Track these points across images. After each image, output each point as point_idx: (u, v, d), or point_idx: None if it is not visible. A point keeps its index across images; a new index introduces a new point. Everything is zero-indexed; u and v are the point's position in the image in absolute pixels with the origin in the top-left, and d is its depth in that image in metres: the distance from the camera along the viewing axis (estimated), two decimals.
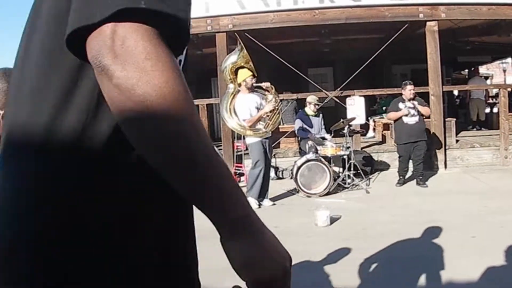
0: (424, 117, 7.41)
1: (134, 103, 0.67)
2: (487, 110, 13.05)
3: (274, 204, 6.55)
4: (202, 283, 3.40)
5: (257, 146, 6.37)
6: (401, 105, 7.37)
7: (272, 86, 6.59)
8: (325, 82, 13.58)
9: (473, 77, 12.34)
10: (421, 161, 7.30)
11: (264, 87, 6.55)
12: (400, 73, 14.36)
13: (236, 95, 6.50)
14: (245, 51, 6.38)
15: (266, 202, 6.53)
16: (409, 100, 7.30)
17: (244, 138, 7.11)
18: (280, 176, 8.62)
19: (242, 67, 6.40)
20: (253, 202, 6.33)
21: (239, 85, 6.42)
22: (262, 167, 6.34)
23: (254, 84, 6.43)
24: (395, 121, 7.56)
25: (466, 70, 16.45)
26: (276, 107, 6.46)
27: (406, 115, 7.25)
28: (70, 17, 0.71)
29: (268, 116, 6.43)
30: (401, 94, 7.56)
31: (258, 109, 6.39)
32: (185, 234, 0.93)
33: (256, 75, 6.43)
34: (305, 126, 8.13)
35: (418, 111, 7.24)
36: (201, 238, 3.68)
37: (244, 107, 6.36)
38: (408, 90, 7.32)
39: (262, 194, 6.53)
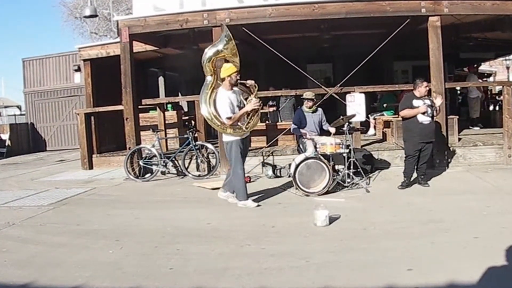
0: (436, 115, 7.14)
1: None
2: (490, 107, 12.97)
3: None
4: (197, 283, 3.31)
5: (236, 145, 6.27)
6: (416, 102, 6.95)
7: (256, 85, 6.40)
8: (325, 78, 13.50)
9: (468, 75, 12.32)
10: (425, 161, 7.08)
11: (247, 85, 6.37)
12: (401, 70, 14.28)
13: (216, 88, 6.31)
14: (233, 43, 6.15)
15: (231, 199, 6.49)
16: (424, 97, 6.97)
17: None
18: (278, 174, 8.48)
19: (226, 61, 6.25)
20: (250, 203, 6.29)
21: (223, 79, 6.24)
22: (242, 164, 6.29)
23: (239, 82, 6.27)
24: (406, 118, 7.09)
25: None
26: (258, 107, 6.32)
27: (424, 113, 6.87)
28: None
29: (248, 115, 6.33)
30: (409, 90, 7.23)
31: (239, 106, 6.27)
32: None
33: (239, 71, 6.27)
34: (299, 123, 7.95)
35: (433, 111, 6.93)
36: (197, 238, 3.58)
37: (226, 104, 6.18)
38: (424, 87, 6.96)
39: (229, 188, 6.53)
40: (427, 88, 7.03)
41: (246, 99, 6.42)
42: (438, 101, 7.01)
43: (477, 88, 12.09)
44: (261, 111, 12.34)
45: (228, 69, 6.19)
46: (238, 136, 6.27)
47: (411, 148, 7.04)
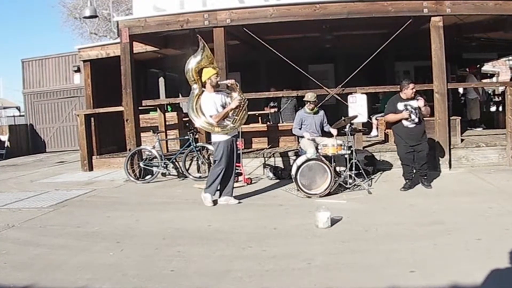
0: (424, 116, 6.93)
1: None
2: (493, 108, 12.89)
3: (240, 203, 6.59)
4: (198, 285, 3.28)
5: (223, 145, 6.47)
6: (400, 105, 6.85)
7: (237, 83, 6.67)
8: (326, 79, 13.43)
9: (467, 76, 12.30)
10: (425, 162, 6.94)
11: (229, 84, 6.65)
12: (403, 70, 14.22)
13: (201, 95, 6.56)
14: (209, 51, 6.49)
15: (232, 201, 6.57)
16: (410, 99, 6.81)
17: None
18: (280, 176, 8.42)
19: (206, 67, 6.48)
20: (209, 198, 6.50)
21: (204, 83, 6.49)
22: (223, 166, 6.45)
23: (219, 82, 6.54)
24: (393, 123, 7.06)
25: None
26: (242, 103, 6.53)
27: (407, 119, 6.77)
28: None
29: (234, 112, 6.53)
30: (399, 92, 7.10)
31: (223, 106, 6.48)
32: None
33: (218, 73, 6.59)
34: (300, 125, 7.89)
35: (419, 113, 6.76)
36: (198, 240, 3.55)
37: (210, 104, 6.42)
38: (410, 90, 6.80)
39: (226, 192, 6.60)
40: (413, 90, 6.83)
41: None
42: (420, 103, 6.77)
43: (474, 90, 12.03)
44: (262, 112, 12.55)
45: (208, 72, 6.46)
46: (226, 134, 6.47)
47: (402, 151, 6.99)
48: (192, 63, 6.51)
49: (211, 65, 6.51)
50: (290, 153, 9.01)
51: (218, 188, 6.60)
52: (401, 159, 7.08)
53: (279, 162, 8.90)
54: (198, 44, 6.54)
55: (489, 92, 15.65)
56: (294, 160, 7.33)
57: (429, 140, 7.20)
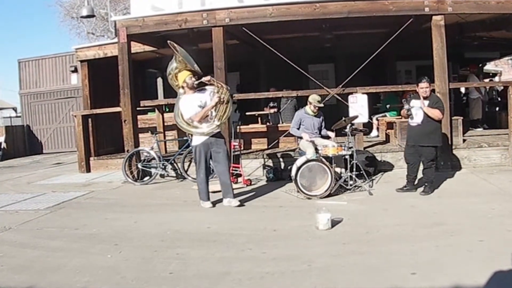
0: (434, 119, 6.61)
1: None
2: (496, 108, 12.83)
3: (242, 205, 6.50)
4: None
5: (200, 147, 6.45)
6: (412, 102, 6.73)
7: (214, 79, 6.68)
8: (326, 79, 13.41)
9: (468, 75, 12.28)
10: (429, 167, 6.67)
11: (205, 81, 6.54)
12: (405, 70, 14.19)
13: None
14: (180, 58, 6.49)
15: (234, 202, 6.46)
16: (424, 98, 6.63)
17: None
18: (279, 177, 8.36)
19: (182, 70, 6.50)
20: (206, 203, 6.49)
21: (183, 87, 6.50)
22: (204, 169, 6.44)
23: (195, 82, 6.47)
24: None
25: None
26: (222, 97, 6.45)
27: (409, 116, 6.70)
28: None
29: (216, 110, 6.45)
30: (411, 91, 7.03)
31: (201, 107, 6.41)
32: None
33: (200, 73, 6.55)
34: (299, 125, 7.82)
35: (424, 113, 6.57)
36: (198, 242, 3.47)
37: (187, 106, 6.41)
38: (420, 89, 6.65)
39: (226, 194, 6.53)
40: (423, 90, 6.63)
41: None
42: (417, 103, 6.65)
43: (476, 89, 11.99)
44: (262, 112, 12.49)
45: (182, 76, 6.49)
46: (203, 136, 6.41)
47: (405, 150, 6.96)
48: (169, 69, 6.63)
49: (186, 67, 6.50)
50: (290, 154, 8.95)
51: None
52: (404, 157, 7.05)
53: (278, 163, 8.83)
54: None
55: (492, 91, 15.61)
56: (294, 161, 7.25)
57: (434, 147, 6.76)
